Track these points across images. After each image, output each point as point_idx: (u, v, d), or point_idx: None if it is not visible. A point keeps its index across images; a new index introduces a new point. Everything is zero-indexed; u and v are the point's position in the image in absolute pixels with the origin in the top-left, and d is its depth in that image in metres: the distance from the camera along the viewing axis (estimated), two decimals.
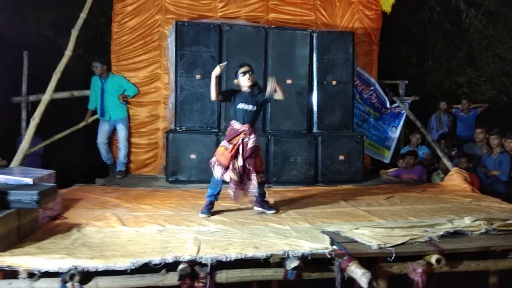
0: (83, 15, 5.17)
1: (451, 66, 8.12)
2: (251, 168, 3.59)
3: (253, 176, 3.57)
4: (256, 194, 3.65)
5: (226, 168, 3.56)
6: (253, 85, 3.72)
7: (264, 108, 5.02)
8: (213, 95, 3.65)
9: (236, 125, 3.65)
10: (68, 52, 5.01)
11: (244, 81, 3.67)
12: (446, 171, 5.70)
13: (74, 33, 5.10)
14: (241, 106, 3.64)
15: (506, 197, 4.85)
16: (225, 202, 4.02)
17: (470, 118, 7.11)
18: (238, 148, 3.57)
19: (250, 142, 3.60)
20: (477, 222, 3.24)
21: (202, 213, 3.63)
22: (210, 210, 3.66)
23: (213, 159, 3.68)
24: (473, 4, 7.57)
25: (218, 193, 3.72)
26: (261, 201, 3.79)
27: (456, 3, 7.54)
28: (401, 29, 7.97)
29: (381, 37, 6.82)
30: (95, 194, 4.42)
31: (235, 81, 3.75)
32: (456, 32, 7.97)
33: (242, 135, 3.59)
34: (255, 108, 3.67)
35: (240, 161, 3.55)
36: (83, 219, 3.39)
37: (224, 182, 3.66)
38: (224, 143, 3.67)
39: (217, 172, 3.61)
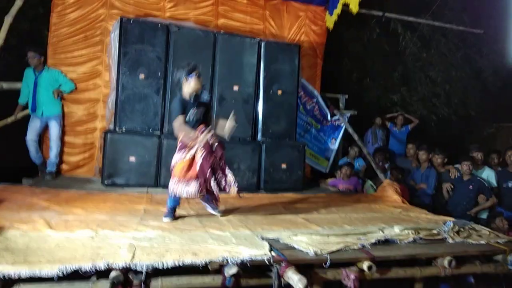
0: (18, 2, 4.82)
1: (387, 84, 8.66)
2: (222, 163, 3.51)
3: (227, 170, 3.52)
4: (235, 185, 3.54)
5: (195, 178, 3.43)
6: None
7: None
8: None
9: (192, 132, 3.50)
10: None
11: (197, 85, 3.52)
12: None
13: (7, 20, 4.74)
14: (191, 112, 3.51)
15: (432, 208, 5.23)
16: (165, 207, 3.91)
17: (402, 134, 7.61)
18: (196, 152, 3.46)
19: (213, 141, 3.50)
20: (406, 231, 3.43)
21: (165, 216, 3.52)
22: (173, 215, 3.56)
23: (174, 181, 3.46)
24: (409, 28, 8.16)
25: (180, 201, 3.63)
26: (212, 199, 3.70)
27: (394, 26, 8.08)
28: (344, 46, 8.37)
29: (325, 52, 7.10)
30: (22, 195, 4.09)
31: (184, 81, 3.52)
32: (393, 53, 8.53)
33: (200, 136, 3.46)
34: (202, 110, 3.59)
35: (200, 162, 3.42)
36: (6, 221, 3.11)
37: None
38: (178, 156, 3.48)
39: (192, 188, 3.43)
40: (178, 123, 3.45)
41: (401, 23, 8.05)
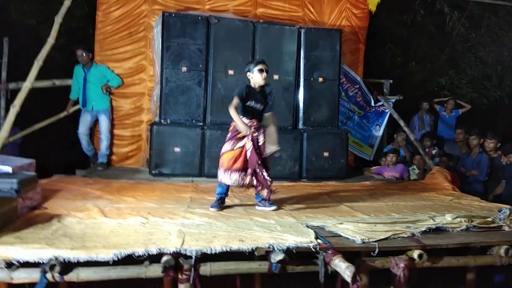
0: (67, 2, 5.02)
1: (434, 67, 8.28)
2: (263, 163, 3.52)
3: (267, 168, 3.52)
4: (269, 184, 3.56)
5: (241, 170, 3.49)
6: (264, 85, 3.64)
7: None
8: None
9: (244, 120, 3.52)
10: (50, 40, 4.86)
11: (259, 79, 3.55)
12: (420, 167, 5.96)
13: (58, 20, 4.95)
14: (250, 103, 3.55)
15: (484, 196, 4.99)
16: (209, 196, 4.00)
17: (451, 119, 7.27)
18: (245, 144, 3.50)
19: (261, 138, 3.53)
20: (458, 219, 3.30)
21: (212, 207, 3.57)
22: (220, 205, 3.61)
23: (222, 171, 3.53)
24: (456, 8, 7.72)
25: (228, 190, 3.69)
26: (262, 199, 3.69)
27: (440, 6, 7.68)
28: (387, 30, 8.07)
29: (367, 36, 6.89)
30: (76, 185, 4.32)
31: (248, 74, 3.61)
32: (439, 35, 8.12)
33: (252, 129, 3.51)
34: (262, 107, 3.61)
35: (249, 153, 3.48)
36: (64, 209, 3.31)
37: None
38: (228, 146, 3.54)
39: (233, 178, 3.50)
40: (232, 104, 3.47)
41: (447, 3, 7.63)
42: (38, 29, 6.34)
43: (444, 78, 8.10)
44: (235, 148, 3.51)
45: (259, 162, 3.49)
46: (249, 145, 3.49)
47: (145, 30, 5.98)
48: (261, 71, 3.54)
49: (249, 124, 3.51)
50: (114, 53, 5.95)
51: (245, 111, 3.55)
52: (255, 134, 3.52)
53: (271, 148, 3.58)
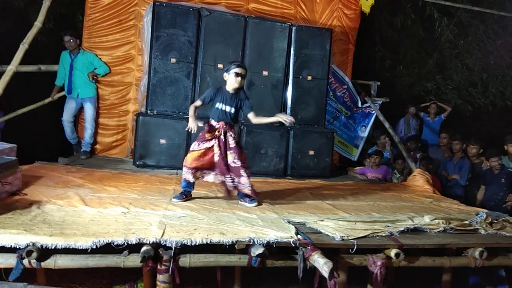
0: None
1: (421, 72, 8.38)
2: (239, 165, 3.50)
3: (243, 172, 3.50)
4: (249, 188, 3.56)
5: (197, 169, 3.53)
6: (239, 89, 3.62)
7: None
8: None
9: (212, 122, 3.58)
10: (37, 23, 4.78)
11: (232, 82, 3.54)
12: (402, 171, 6.05)
13: (46, 4, 4.87)
14: (219, 106, 3.56)
15: (464, 200, 5.09)
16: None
17: (435, 124, 7.38)
18: (213, 146, 3.51)
19: (231, 141, 3.52)
20: (436, 221, 3.36)
21: (174, 197, 3.59)
22: (183, 197, 3.61)
23: (185, 169, 3.55)
24: (446, 14, 7.83)
25: (193, 185, 3.69)
26: (244, 195, 3.70)
27: (430, 11, 7.77)
28: (377, 32, 8.14)
29: (357, 37, 6.94)
30: (58, 173, 4.27)
31: (225, 74, 3.60)
32: (428, 39, 8.22)
33: (216, 133, 3.53)
34: (233, 110, 3.58)
35: (216, 158, 3.50)
36: (44, 196, 3.27)
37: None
38: (195, 145, 3.56)
39: (196, 175, 3.55)
40: (193, 103, 3.65)
41: (437, 9, 7.74)
42: (26, 12, 6.21)
43: (430, 83, 8.21)
44: (201, 148, 3.53)
45: (228, 168, 3.50)
46: (216, 150, 3.50)
47: (135, 19, 5.90)
48: (236, 75, 3.52)
49: (216, 127, 3.54)
50: (103, 41, 5.86)
51: (213, 112, 3.59)
52: (221, 137, 3.51)
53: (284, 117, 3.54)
